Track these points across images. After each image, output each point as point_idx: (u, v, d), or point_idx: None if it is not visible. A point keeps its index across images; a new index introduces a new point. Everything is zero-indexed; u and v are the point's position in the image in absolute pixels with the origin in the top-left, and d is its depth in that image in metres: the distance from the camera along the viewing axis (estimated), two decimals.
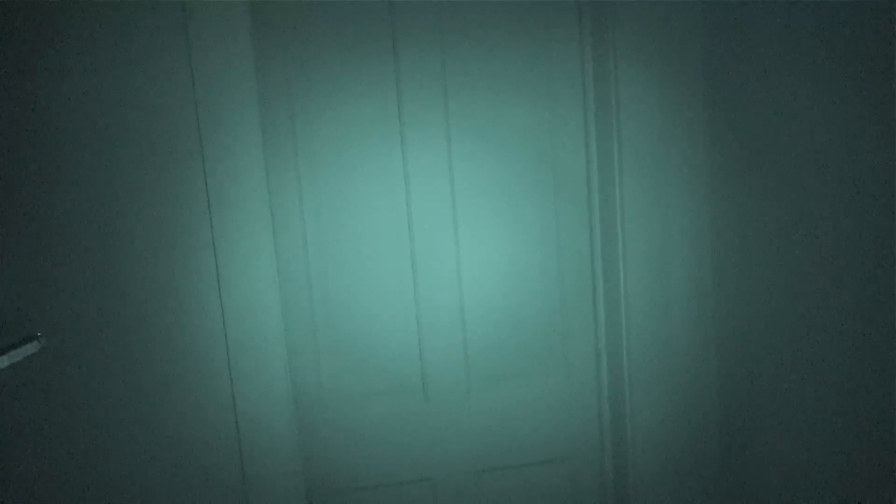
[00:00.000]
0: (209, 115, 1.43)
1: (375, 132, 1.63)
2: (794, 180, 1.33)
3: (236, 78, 1.43)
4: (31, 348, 1.33)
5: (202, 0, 1.40)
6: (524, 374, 1.76)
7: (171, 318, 1.48)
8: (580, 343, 1.77)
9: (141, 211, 1.45)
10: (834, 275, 1.25)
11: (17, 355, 1.28)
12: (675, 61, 1.56)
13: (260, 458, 1.54)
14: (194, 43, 1.41)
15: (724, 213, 1.56)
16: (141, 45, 1.41)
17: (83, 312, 1.46)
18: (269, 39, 1.57)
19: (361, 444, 1.71)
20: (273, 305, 1.50)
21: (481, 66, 1.64)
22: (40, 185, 1.42)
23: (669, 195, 1.60)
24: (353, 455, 1.71)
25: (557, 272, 1.74)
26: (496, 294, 1.73)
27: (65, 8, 1.39)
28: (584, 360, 1.78)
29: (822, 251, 1.28)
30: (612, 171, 1.61)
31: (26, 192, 1.41)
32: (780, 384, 1.43)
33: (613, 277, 1.66)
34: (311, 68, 1.58)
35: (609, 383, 1.76)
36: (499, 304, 1.73)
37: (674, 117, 1.58)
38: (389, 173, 1.65)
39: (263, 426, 1.54)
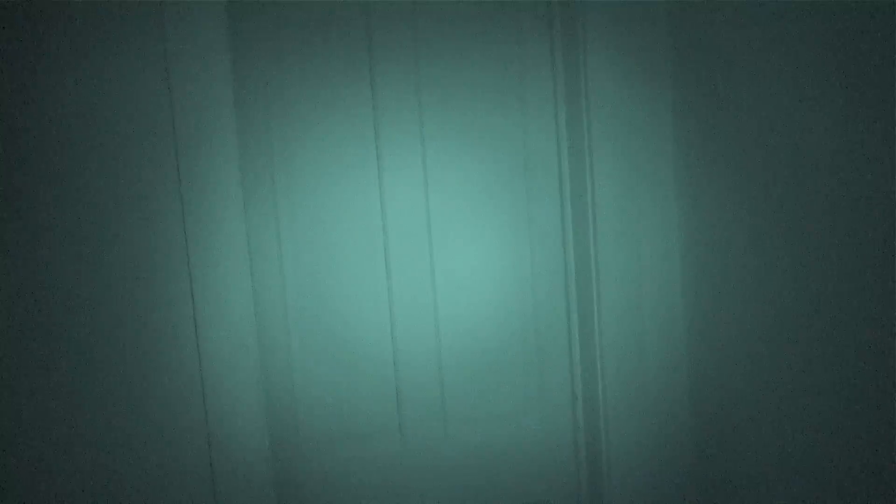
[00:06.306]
0: (185, 113, 1.43)
1: (350, 151, 1.64)
2: (768, 183, 1.30)
3: (214, 78, 1.44)
4: None
5: (179, 1, 1.39)
6: (500, 416, 1.75)
7: (140, 366, 1.46)
8: (556, 384, 1.76)
9: (110, 234, 1.43)
10: (815, 291, 1.24)
11: None
12: (647, 62, 1.56)
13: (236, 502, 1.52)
14: (170, 46, 1.41)
15: (696, 230, 1.56)
16: (116, 48, 1.37)
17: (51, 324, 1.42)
18: (246, 39, 1.57)
19: (339, 487, 1.68)
20: (251, 346, 1.49)
21: (455, 69, 1.65)
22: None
23: (642, 215, 1.60)
24: (331, 498, 1.68)
25: (533, 312, 1.74)
26: (473, 335, 1.73)
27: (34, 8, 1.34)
28: (560, 401, 1.76)
29: (800, 262, 1.27)
30: (585, 210, 1.62)
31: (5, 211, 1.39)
32: (758, 418, 1.42)
33: (588, 319, 1.65)
34: (287, 70, 1.59)
35: (585, 425, 1.73)
36: (476, 346, 1.73)
37: (645, 122, 1.57)
38: (363, 202, 1.66)
39: (240, 472, 1.51)
